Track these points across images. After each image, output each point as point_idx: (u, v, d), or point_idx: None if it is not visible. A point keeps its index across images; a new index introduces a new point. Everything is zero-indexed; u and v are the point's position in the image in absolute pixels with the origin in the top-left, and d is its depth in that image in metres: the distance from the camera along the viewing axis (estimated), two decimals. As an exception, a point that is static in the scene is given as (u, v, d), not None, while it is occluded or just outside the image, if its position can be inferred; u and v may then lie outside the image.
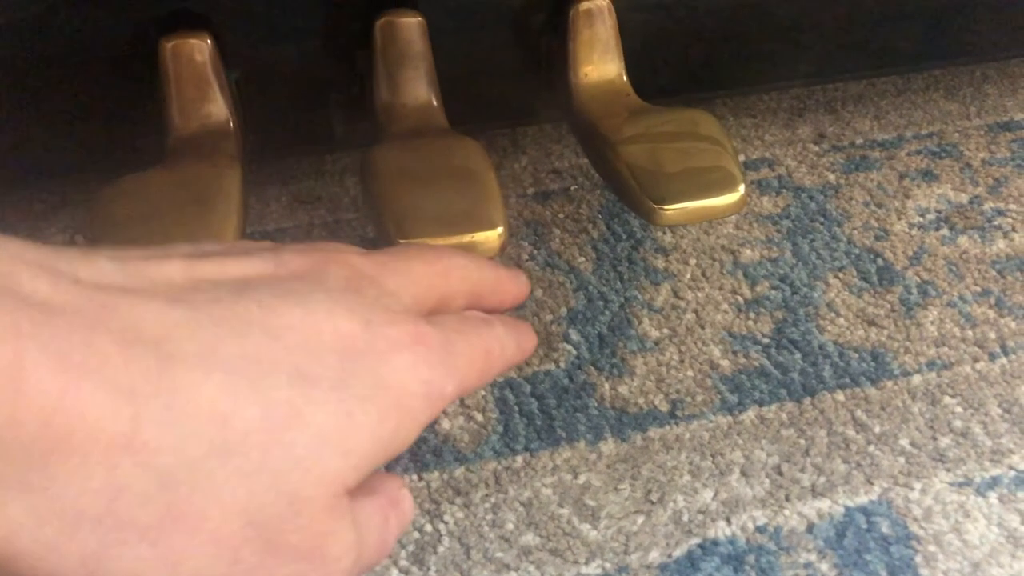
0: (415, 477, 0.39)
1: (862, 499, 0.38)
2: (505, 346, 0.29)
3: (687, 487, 0.39)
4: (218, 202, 0.38)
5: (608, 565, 0.36)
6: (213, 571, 0.22)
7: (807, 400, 0.42)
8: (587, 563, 0.36)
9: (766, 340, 0.44)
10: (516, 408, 0.41)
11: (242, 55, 0.43)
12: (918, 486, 0.38)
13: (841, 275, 0.47)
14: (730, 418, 0.41)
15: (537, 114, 0.51)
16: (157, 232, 0.36)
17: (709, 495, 0.38)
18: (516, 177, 0.53)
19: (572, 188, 0.52)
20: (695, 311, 0.46)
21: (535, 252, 0.49)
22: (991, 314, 0.45)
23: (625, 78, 0.45)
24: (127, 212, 0.37)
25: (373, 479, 0.25)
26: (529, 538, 0.37)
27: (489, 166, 0.39)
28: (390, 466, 0.39)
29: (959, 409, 0.41)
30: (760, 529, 0.37)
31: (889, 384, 0.42)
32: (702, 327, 0.45)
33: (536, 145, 0.55)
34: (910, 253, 0.48)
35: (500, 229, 0.36)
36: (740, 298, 0.46)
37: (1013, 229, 0.50)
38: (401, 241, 0.36)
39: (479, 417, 0.41)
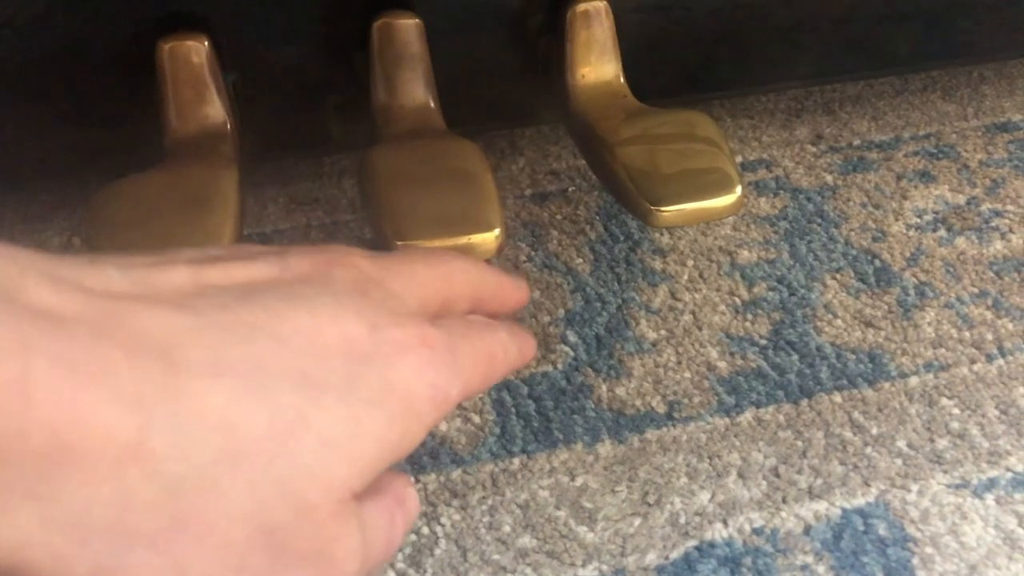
0: (412, 479, 0.39)
1: (859, 501, 0.38)
2: (508, 350, 0.29)
3: (684, 489, 0.39)
4: (215, 204, 0.38)
5: (605, 567, 0.36)
6: None
7: (804, 402, 0.42)
8: (584, 565, 0.36)
9: (763, 341, 0.44)
10: (513, 410, 0.41)
11: (239, 57, 0.43)
12: (915, 488, 0.38)
13: (838, 276, 0.47)
14: (727, 420, 0.41)
15: (535, 115, 0.51)
16: (155, 233, 0.36)
17: (706, 497, 0.38)
18: (514, 178, 0.53)
19: (570, 189, 0.52)
20: (692, 312, 0.46)
21: (533, 253, 0.49)
22: (988, 315, 0.45)
23: (622, 79, 0.45)
24: (124, 214, 0.37)
25: (379, 478, 0.25)
26: (526, 540, 0.37)
27: (486, 168, 0.39)
28: (387, 468, 0.39)
29: (956, 411, 0.41)
30: (757, 531, 0.37)
31: (886, 386, 0.42)
32: (699, 328, 0.45)
33: (534, 146, 0.55)
34: (907, 254, 0.48)
35: (497, 231, 0.36)
36: (737, 299, 0.46)
37: (1010, 230, 0.50)
38: (398, 243, 0.36)
39: (476, 419, 0.41)
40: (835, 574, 0.36)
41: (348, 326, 0.24)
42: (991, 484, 0.39)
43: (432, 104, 0.43)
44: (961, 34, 0.54)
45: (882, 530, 0.37)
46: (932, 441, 0.40)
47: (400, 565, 0.36)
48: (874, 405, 0.42)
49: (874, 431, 0.41)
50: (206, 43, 0.41)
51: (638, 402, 0.42)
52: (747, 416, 0.41)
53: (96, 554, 0.20)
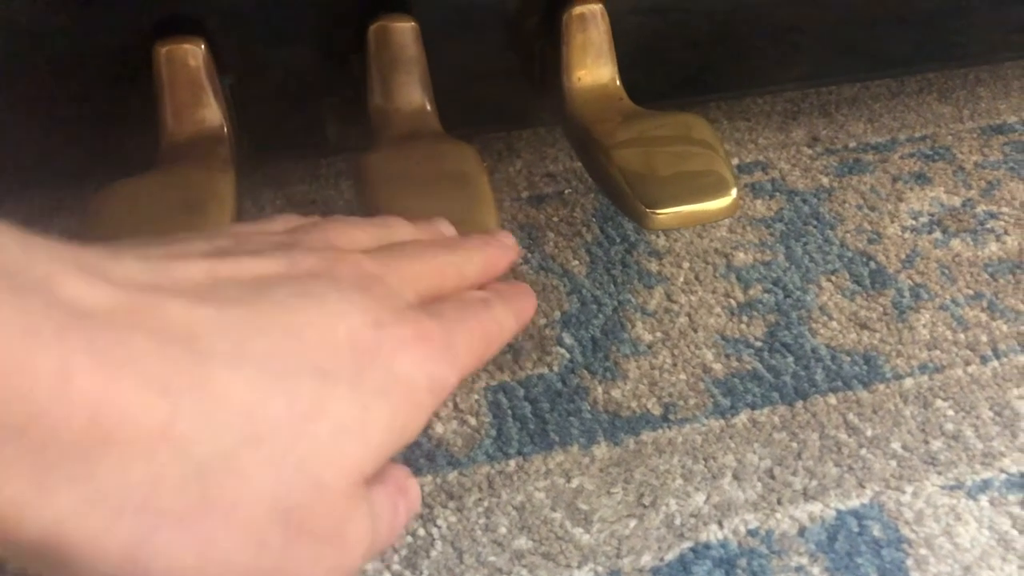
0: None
1: (854, 502, 0.38)
2: (503, 323, 0.32)
3: (679, 491, 0.39)
4: (212, 206, 0.38)
5: (600, 569, 0.36)
6: (241, 555, 0.23)
7: (799, 403, 0.42)
8: (579, 567, 0.36)
9: (759, 343, 0.44)
10: (509, 412, 0.42)
11: (236, 60, 0.43)
12: (909, 489, 0.39)
13: (834, 278, 0.47)
14: (722, 422, 0.41)
15: (531, 118, 0.51)
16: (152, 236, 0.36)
17: (701, 499, 0.38)
18: (510, 181, 0.53)
19: (566, 192, 0.52)
20: (688, 314, 0.46)
21: (529, 255, 0.49)
22: (983, 317, 0.46)
23: (618, 82, 0.45)
24: (121, 216, 0.38)
25: (382, 469, 0.27)
26: (522, 542, 0.37)
27: (482, 170, 0.40)
28: (383, 470, 0.39)
29: (951, 412, 0.41)
30: (752, 533, 0.37)
31: (881, 387, 0.43)
32: (695, 330, 0.45)
33: (530, 149, 0.55)
34: (903, 256, 0.49)
35: (493, 234, 0.36)
36: (733, 301, 0.46)
37: (1005, 232, 0.50)
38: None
39: (472, 421, 0.41)
40: (829, 575, 0.36)
41: (355, 322, 0.27)
42: (985, 485, 0.39)
43: (428, 107, 0.43)
44: (957, 36, 0.54)
45: (876, 531, 0.37)
46: (926, 443, 0.40)
47: (396, 567, 0.36)
48: (869, 407, 0.42)
49: (869, 433, 0.41)
50: (203, 46, 0.41)
51: (634, 404, 0.42)
52: (742, 418, 0.41)
53: (127, 531, 0.22)
